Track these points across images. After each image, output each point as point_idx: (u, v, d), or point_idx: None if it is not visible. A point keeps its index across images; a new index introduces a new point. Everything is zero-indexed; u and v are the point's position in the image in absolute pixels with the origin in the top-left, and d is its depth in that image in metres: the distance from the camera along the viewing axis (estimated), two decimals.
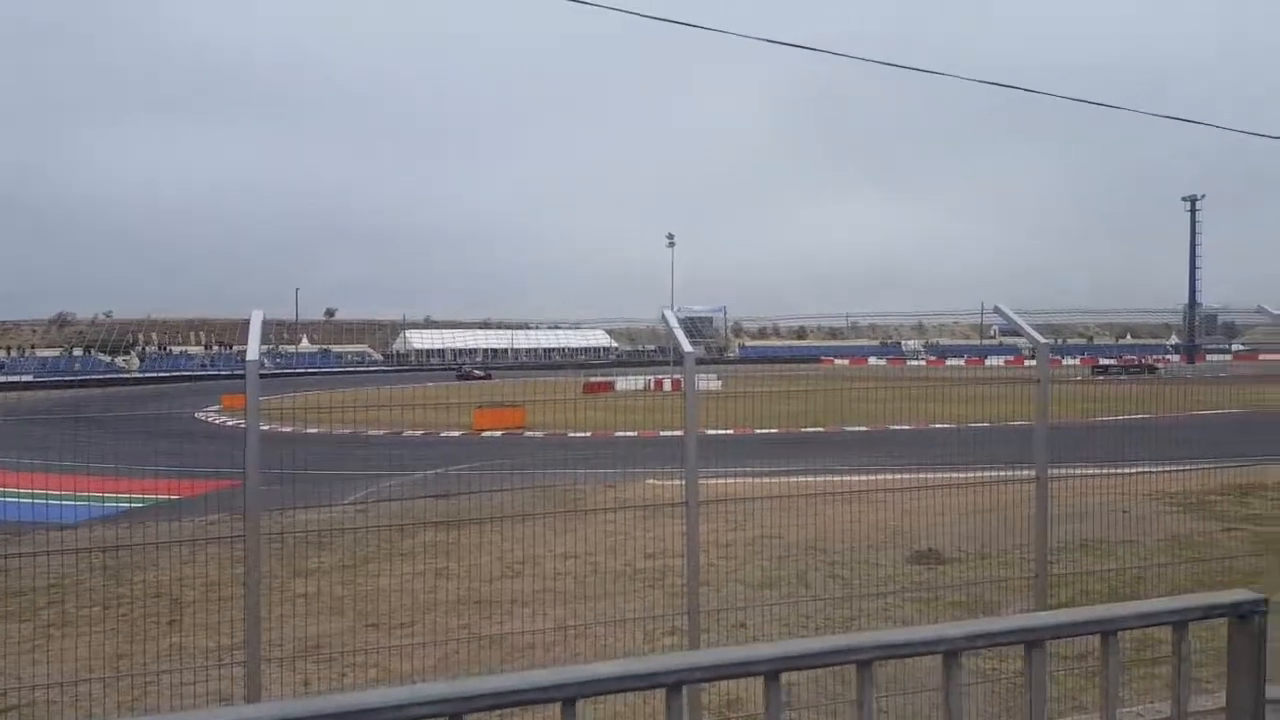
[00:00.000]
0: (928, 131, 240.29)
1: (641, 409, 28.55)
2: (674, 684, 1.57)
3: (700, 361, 4.91)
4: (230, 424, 30.14)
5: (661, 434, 23.09)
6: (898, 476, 11.17)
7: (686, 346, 4.76)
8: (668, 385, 43.35)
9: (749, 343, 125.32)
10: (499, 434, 26.68)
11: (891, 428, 22.55)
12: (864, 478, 11.08)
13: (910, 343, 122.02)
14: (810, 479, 10.00)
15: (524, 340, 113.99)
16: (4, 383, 63.01)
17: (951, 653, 1.75)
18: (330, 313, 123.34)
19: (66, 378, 71.10)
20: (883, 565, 8.45)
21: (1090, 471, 8.10)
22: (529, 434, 26.39)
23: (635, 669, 1.54)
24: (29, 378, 69.68)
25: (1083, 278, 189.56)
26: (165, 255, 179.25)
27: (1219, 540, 9.42)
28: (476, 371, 70.17)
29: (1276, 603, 2.03)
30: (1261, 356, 79.35)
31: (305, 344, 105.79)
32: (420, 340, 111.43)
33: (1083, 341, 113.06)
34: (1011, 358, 77.66)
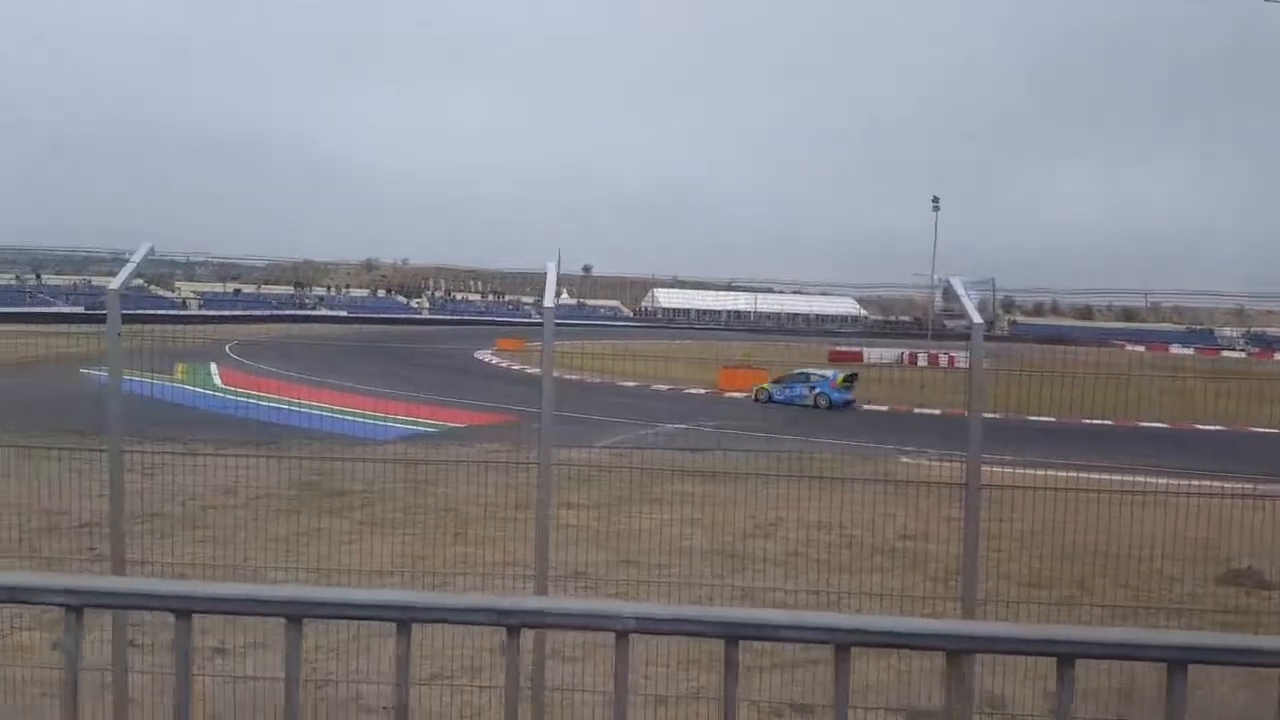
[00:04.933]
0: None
1: (892, 382, 27.50)
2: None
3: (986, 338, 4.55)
4: (503, 365, 33.05)
5: (916, 411, 22.18)
6: (1208, 483, 9.92)
7: (976, 317, 4.42)
8: (923, 360, 41.34)
9: (1022, 319, 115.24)
10: (741, 395, 26.84)
11: (1198, 427, 19.99)
12: (1160, 480, 9.93)
13: (1227, 331, 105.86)
14: (1095, 476, 9.13)
15: (766, 304, 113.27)
16: (325, 316, 73.51)
17: (1066, 656, 1.66)
18: (587, 269, 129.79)
19: (373, 315, 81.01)
20: (1182, 580, 7.53)
21: None
22: None
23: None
24: (343, 313, 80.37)
25: None
26: (448, 211, 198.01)
27: None
28: None
29: None
30: None
31: (565, 297, 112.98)
32: (668, 298, 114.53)
33: None
34: None
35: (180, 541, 7.28)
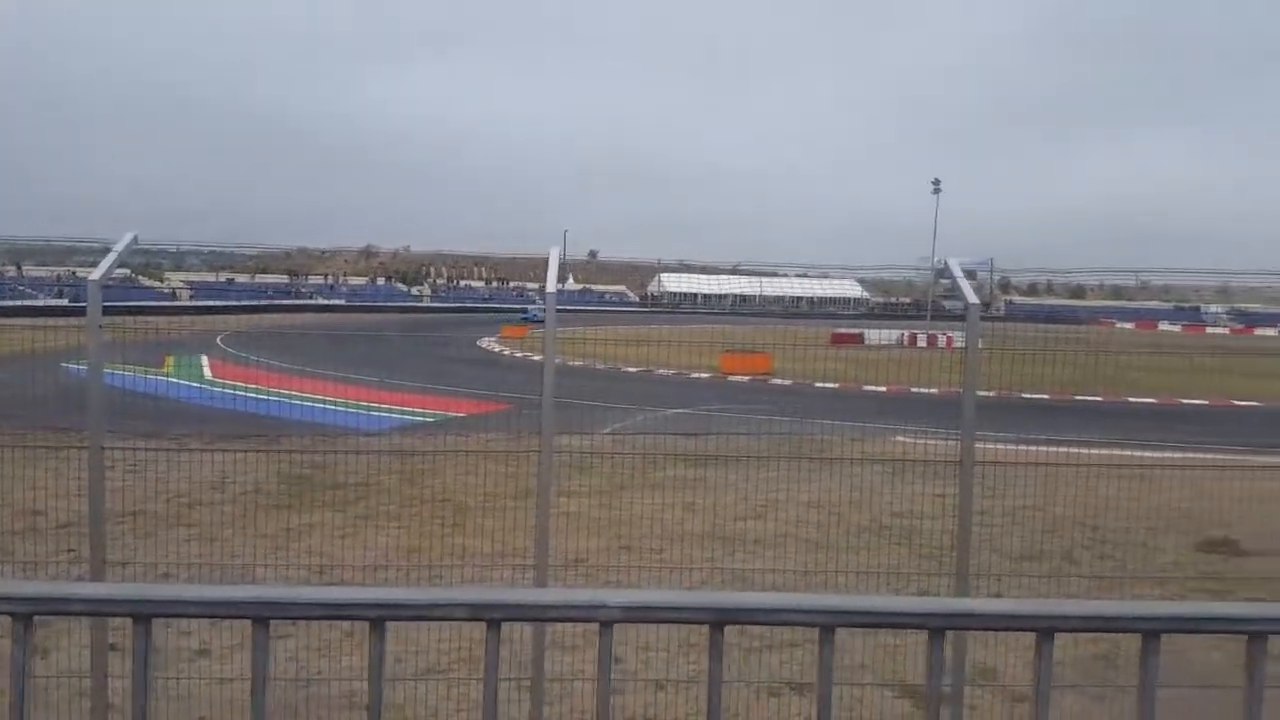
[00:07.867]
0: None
1: (892, 363, 27.51)
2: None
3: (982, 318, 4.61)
4: (506, 352, 33.10)
5: (912, 390, 22.22)
6: (1188, 455, 10.00)
7: (972, 297, 4.47)
8: (922, 340, 41.37)
9: (1017, 299, 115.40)
10: (745, 379, 26.90)
11: (1184, 402, 20.45)
12: (1146, 454, 10.04)
13: (1212, 308, 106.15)
14: (1085, 451, 9.22)
15: (771, 288, 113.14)
16: (322, 305, 73.83)
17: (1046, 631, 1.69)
18: (593, 254, 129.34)
19: (372, 303, 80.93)
20: (1164, 550, 7.64)
21: None
22: (775, 381, 26.36)
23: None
24: (341, 302, 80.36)
25: None
26: (451, 195, 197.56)
27: None
28: None
29: None
30: None
31: (570, 283, 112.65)
32: (674, 283, 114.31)
33: None
34: None
35: (164, 540, 7.31)
